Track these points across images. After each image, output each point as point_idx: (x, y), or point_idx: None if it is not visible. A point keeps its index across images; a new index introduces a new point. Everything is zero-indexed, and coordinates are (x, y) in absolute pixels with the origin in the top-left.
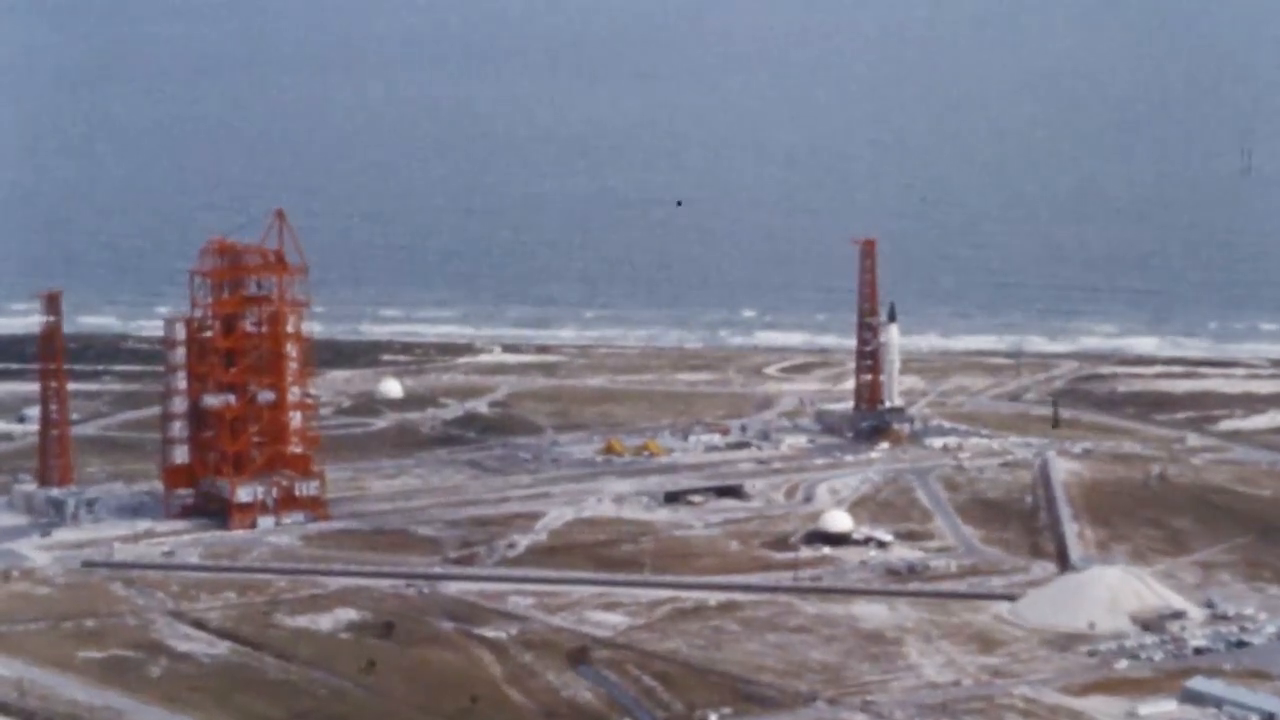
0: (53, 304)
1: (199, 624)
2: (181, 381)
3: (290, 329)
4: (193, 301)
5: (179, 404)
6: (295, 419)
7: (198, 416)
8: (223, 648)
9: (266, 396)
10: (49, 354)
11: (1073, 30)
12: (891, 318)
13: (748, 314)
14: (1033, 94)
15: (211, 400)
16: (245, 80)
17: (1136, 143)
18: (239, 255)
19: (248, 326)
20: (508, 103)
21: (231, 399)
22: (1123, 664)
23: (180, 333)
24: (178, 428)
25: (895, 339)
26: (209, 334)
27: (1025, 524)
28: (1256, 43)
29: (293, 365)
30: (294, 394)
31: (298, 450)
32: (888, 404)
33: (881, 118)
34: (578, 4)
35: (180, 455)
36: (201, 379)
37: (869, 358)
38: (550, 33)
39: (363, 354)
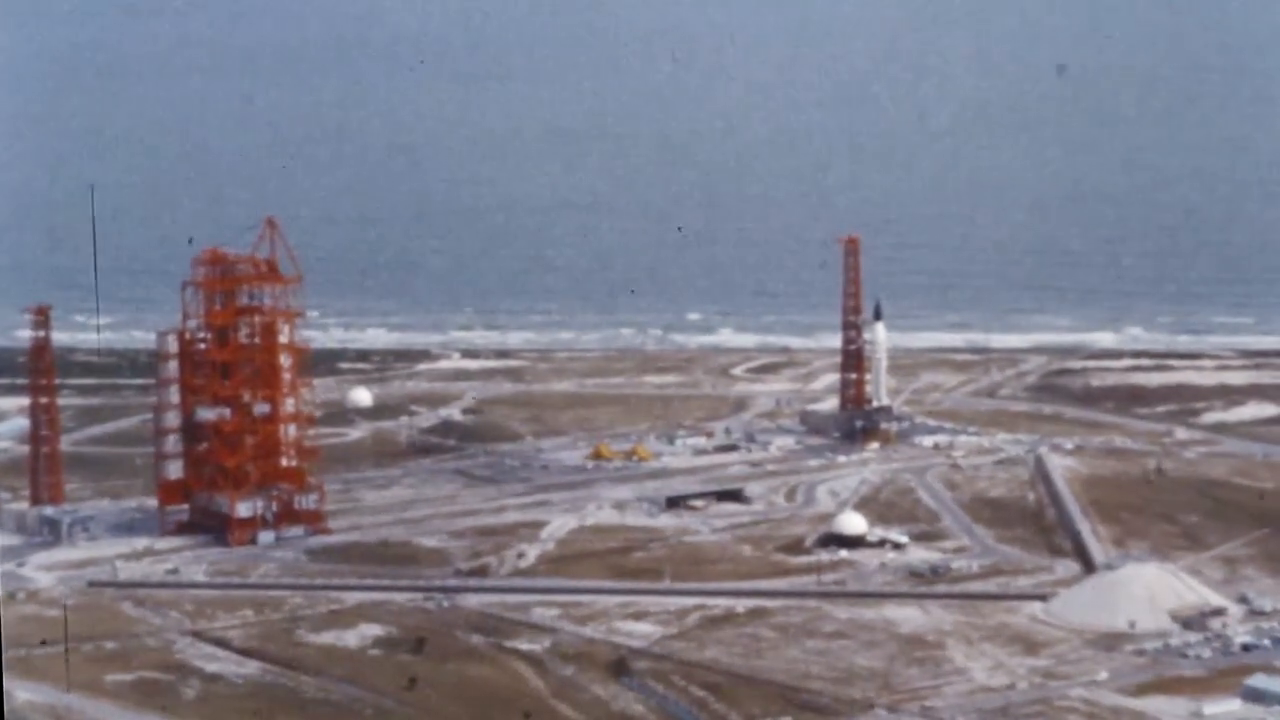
0: (41, 318)
1: (221, 643)
2: (174, 395)
3: (284, 339)
4: (184, 313)
5: (172, 418)
6: (290, 431)
7: (191, 430)
8: (252, 667)
9: (262, 409)
10: (39, 369)
11: (1024, 27)
12: (877, 316)
13: (693, 316)
14: (972, 92)
15: (206, 414)
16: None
17: (1081, 139)
18: (231, 265)
19: (241, 338)
20: (406, 107)
21: (227, 412)
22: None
23: (173, 345)
24: (171, 442)
25: (882, 338)
26: (202, 346)
27: (1035, 522)
28: (1206, 34)
29: (286, 376)
30: (289, 405)
31: (293, 463)
32: (875, 403)
33: (809, 116)
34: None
35: (174, 470)
36: (195, 392)
37: (853, 357)
38: (447, 36)
39: (319, 362)
